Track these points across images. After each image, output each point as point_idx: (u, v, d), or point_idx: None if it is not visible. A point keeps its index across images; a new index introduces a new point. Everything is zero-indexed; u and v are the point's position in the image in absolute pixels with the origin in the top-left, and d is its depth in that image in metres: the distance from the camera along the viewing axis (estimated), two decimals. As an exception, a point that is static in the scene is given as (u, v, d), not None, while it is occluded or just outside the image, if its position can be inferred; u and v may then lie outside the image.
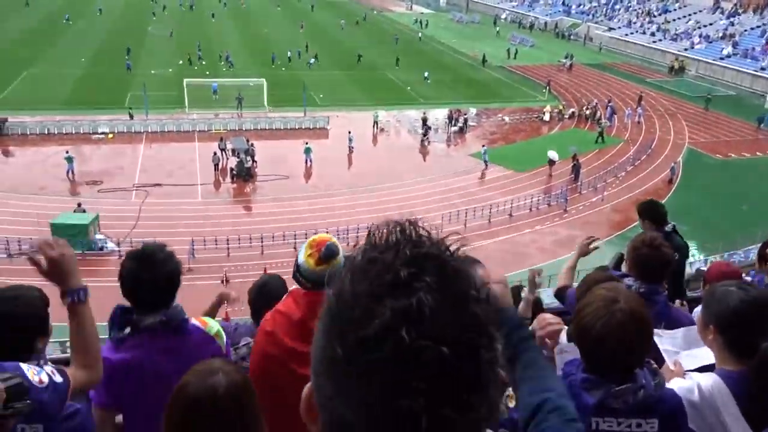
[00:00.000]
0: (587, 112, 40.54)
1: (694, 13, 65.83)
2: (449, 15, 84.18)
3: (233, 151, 29.76)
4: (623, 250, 3.62)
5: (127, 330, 2.67)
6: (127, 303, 2.71)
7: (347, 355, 0.70)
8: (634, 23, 69.02)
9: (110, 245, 22.01)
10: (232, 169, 29.31)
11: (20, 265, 20.07)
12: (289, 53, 51.81)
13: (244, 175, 29.05)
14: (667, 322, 2.88)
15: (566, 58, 56.88)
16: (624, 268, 3.54)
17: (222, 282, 19.32)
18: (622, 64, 59.05)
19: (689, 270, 7.53)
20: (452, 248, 0.78)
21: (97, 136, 33.28)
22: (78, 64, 46.12)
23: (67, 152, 28.38)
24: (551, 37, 71.77)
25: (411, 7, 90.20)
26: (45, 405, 1.80)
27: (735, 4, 63.23)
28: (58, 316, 2.31)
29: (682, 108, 44.22)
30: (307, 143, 31.05)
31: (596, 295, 2.14)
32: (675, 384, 2.27)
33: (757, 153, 35.70)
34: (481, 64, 54.47)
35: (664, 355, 2.58)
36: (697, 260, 19.73)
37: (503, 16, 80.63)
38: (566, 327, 2.38)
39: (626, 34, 66.77)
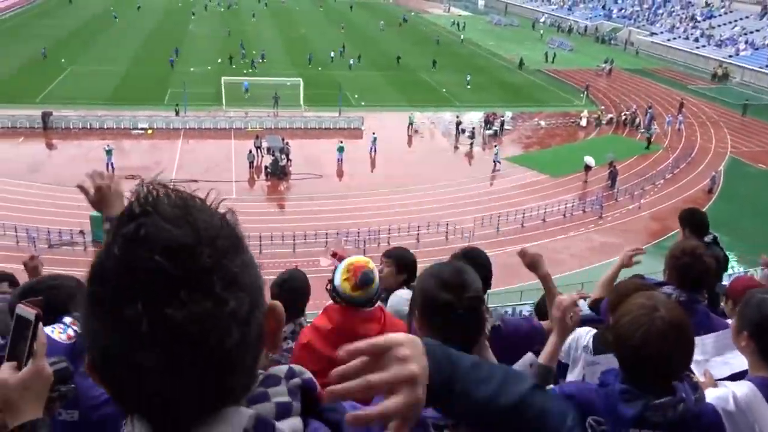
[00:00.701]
0: (625, 118, 39.91)
1: (740, 19, 64.21)
2: (487, 18, 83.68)
3: (268, 149, 30.12)
4: (661, 260, 3.50)
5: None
6: None
7: (92, 290, 0.78)
8: (677, 28, 67.65)
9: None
10: (266, 167, 29.67)
11: (61, 255, 20.67)
12: (331, 54, 52.11)
13: (279, 173, 29.36)
14: (707, 332, 2.82)
15: (605, 62, 56.02)
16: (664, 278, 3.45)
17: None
18: (663, 69, 57.87)
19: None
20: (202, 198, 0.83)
21: (136, 131, 34.04)
22: (120, 61, 47.20)
23: (107, 145, 29.10)
24: (590, 41, 70.84)
25: (449, 9, 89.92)
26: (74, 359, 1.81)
27: (784, 11, 61.61)
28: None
29: (724, 116, 43.14)
30: (341, 142, 31.30)
31: (635, 303, 2.11)
32: (709, 394, 2.23)
33: (802, 163, 34.69)
34: (517, 68, 54.05)
35: (692, 366, 2.53)
36: (736, 273, 19.21)
37: (542, 20, 79.85)
38: (583, 298, 2.38)
39: (668, 40, 65.50)
